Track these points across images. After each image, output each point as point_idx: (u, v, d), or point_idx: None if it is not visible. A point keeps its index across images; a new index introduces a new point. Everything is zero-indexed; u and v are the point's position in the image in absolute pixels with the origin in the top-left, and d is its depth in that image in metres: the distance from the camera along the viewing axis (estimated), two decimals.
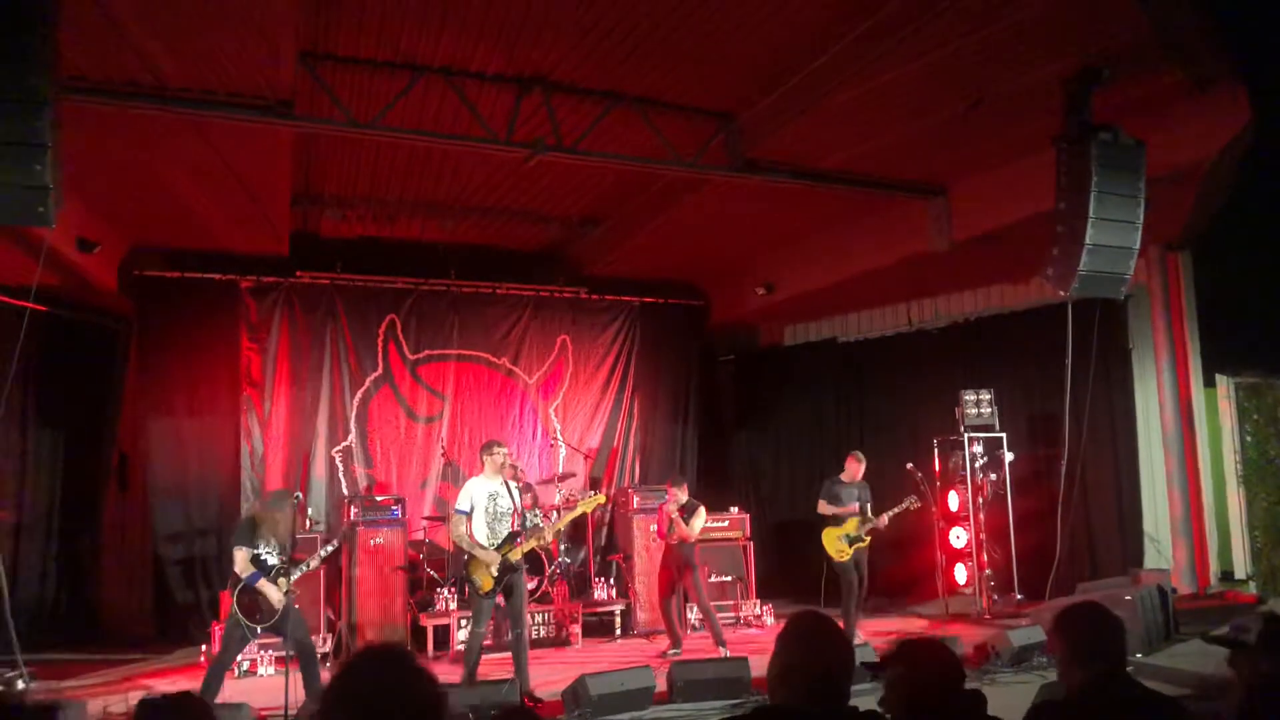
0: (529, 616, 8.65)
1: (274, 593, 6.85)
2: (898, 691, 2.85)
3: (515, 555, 7.52)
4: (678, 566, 9.33)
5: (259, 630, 6.88)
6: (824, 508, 9.66)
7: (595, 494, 9.25)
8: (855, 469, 9.75)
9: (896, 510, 9.65)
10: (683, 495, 9.43)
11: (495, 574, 7.45)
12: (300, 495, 8.13)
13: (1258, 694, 2.74)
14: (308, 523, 10.03)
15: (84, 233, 9.10)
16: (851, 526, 9.46)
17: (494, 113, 7.83)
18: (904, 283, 11.97)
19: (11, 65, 5.03)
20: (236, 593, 6.82)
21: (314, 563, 7.34)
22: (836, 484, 9.73)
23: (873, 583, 11.36)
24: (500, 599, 7.63)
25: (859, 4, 6.42)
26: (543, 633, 9.87)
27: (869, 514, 9.56)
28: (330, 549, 7.60)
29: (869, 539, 9.57)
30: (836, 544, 9.53)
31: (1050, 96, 7.36)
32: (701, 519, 9.42)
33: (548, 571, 10.31)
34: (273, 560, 6.97)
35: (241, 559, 6.87)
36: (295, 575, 7.05)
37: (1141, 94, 7.54)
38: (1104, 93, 7.18)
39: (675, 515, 9.27)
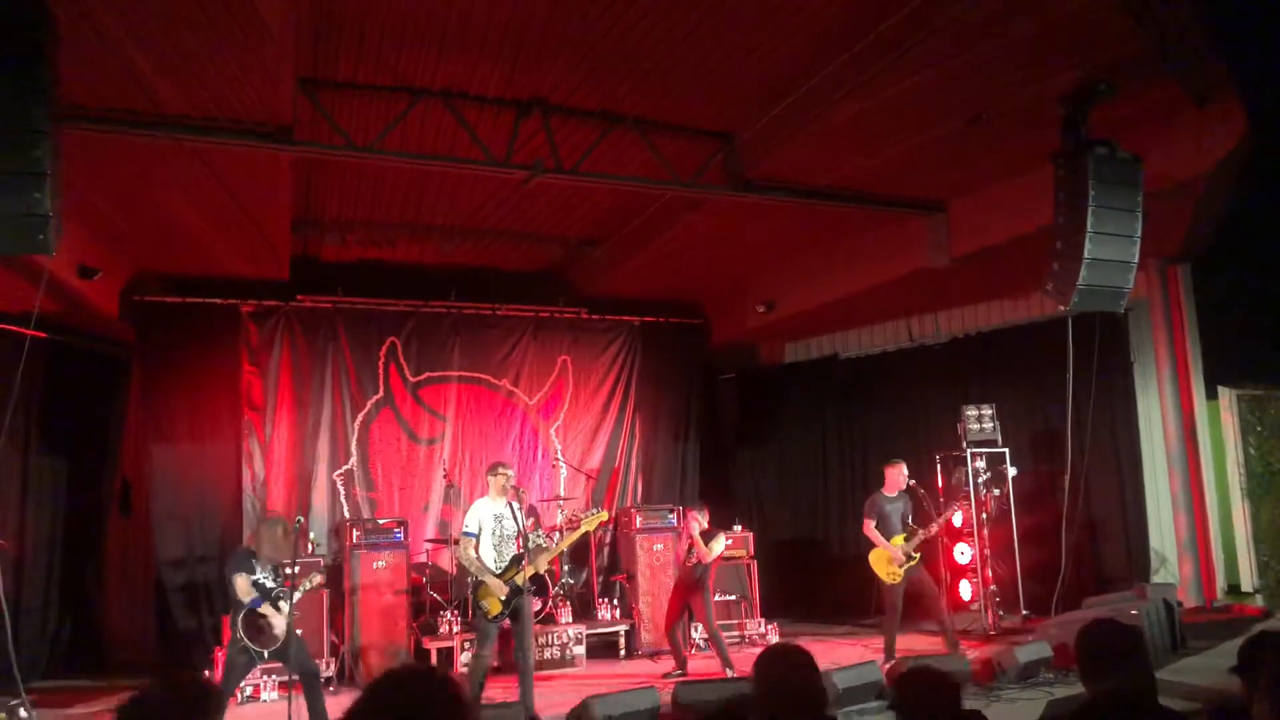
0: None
1: (277, 616, 6.82)
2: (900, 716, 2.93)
3: (521, 579, 7.53)
4: (689, 588, 9.22)
5: (265, 655, 6.85)
6: (869, 529, 9.16)
7: (598, 511, 9.22)
8: (897, 479, 9.22)
9: (941, 519, 9.56)
10: (704, 521, 9.29)
11: (503, 599, 7.47)
12: (301, 519, 8.11)
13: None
14: (309, 546, 10.01)
15: (85, 259, 9.11)
16: (899, 545, 9.01)
17: (493, 135, 7.85)
18: (904, 298, 11.98)
19: (11, 95, 5.06)
20: (242, 617, 6.79)
21: (307, 586, 7.29)
22: (882, 499, 9.21)
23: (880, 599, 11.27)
24: (506, 622, 7.63)
25: (856, 21, 6.43)
26: (547, 654, 9.83)
27: (912, 526, 9.17)
28: (319, 573, 7.62)
29: (920, 554, 9.11)
30: (887, 566, 9.07)
31: (1048, 112, 7.38)
32: (721, 544, 9.27)
33: (551, 592, 10.27)
34: (270, 584, 6.95)
35: (243, 585, 6.85)
36: (296, 598, 7.02)
37: (1139, 108, 7.58)
38: (1101, 107, 7.22)
39: (696, 536, 9.13)
